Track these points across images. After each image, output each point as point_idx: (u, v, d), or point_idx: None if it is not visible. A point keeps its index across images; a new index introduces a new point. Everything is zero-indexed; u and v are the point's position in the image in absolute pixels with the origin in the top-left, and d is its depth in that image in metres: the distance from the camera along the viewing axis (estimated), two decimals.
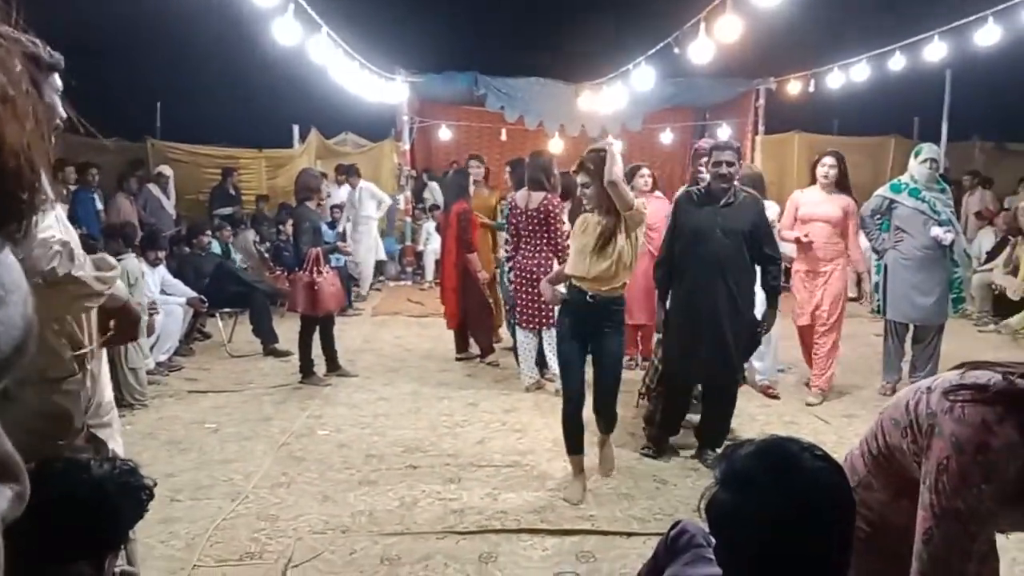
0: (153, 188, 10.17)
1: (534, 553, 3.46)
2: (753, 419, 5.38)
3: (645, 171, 6.34)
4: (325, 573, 3.25)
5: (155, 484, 1.60)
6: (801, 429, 5.19)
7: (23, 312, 0.91)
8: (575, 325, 4.05)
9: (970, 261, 8.15)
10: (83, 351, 2.09)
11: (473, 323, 6.92)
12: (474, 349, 7.05)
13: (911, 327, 5.82)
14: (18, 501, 1.01)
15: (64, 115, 1.93)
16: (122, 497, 1.51)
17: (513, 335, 6.42)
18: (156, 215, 9.90)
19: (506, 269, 6.40)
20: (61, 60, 1.90)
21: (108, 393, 2.26)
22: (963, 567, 1.54)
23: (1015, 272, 9.14)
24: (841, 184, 5.70)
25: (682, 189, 4.90)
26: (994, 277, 9.06)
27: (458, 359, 7.02)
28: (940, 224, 5.51)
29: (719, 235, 4.33)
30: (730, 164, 4.37)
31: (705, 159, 4.75)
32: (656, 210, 5.71)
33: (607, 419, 4.20)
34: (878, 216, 5.78)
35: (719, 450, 4.50)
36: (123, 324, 2.26)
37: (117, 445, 2.29)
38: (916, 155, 5.74)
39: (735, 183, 4.43)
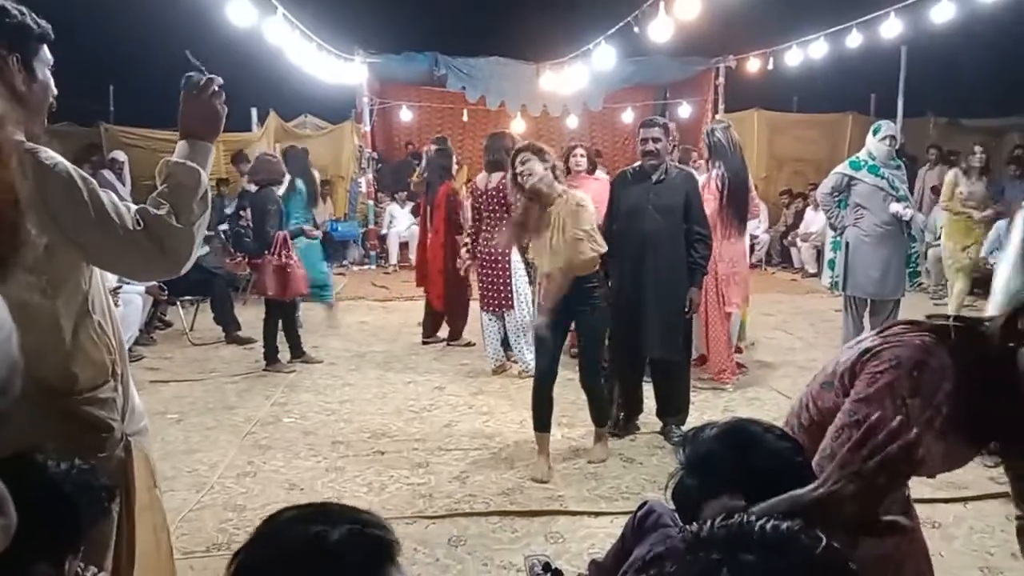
0: (108, 174, 9.93)
1: (503, 535, 3.48)
2: (717, 395, 5.45)
3: (579, 151, 6.33)
4: None
5: (105, 485, 1.57)
6: (764, 404, 5.27)
7: (7, 350, 0.88)
8: (557, 304, 4.05)
9: (924, 235, 8.26)
10: (113, 355, 1.89)
11: (452, 305, 6.89)
12: (441, 333, 7.03)
13: (869, 302, 5.93)
14: (3, 533, 0.99)
15: (56, 92, 1.83)
16: (80, 496, 1.48)
17: None
18: None
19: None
20: (50, 29, 1.78)
21: (137, 396, 2.05)
22: (862, 465, 1.54)
23: None
24: None
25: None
26: None
27: (425, 343, 6.99)
28: (899, 200, 5.59)
29: (651, 211, 4.40)
30: (656, 140, 4.43)
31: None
32: (597, 191, 5.71)
33: (597, 404, 4.26)
34: (837, 193, 5.84)
35: (683, 427, 4.57)
36: None
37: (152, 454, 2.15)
38: (875, 133, 5.78)
39: (667, 159, 4.50)
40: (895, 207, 5.54)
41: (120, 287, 6.32)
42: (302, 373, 6.09)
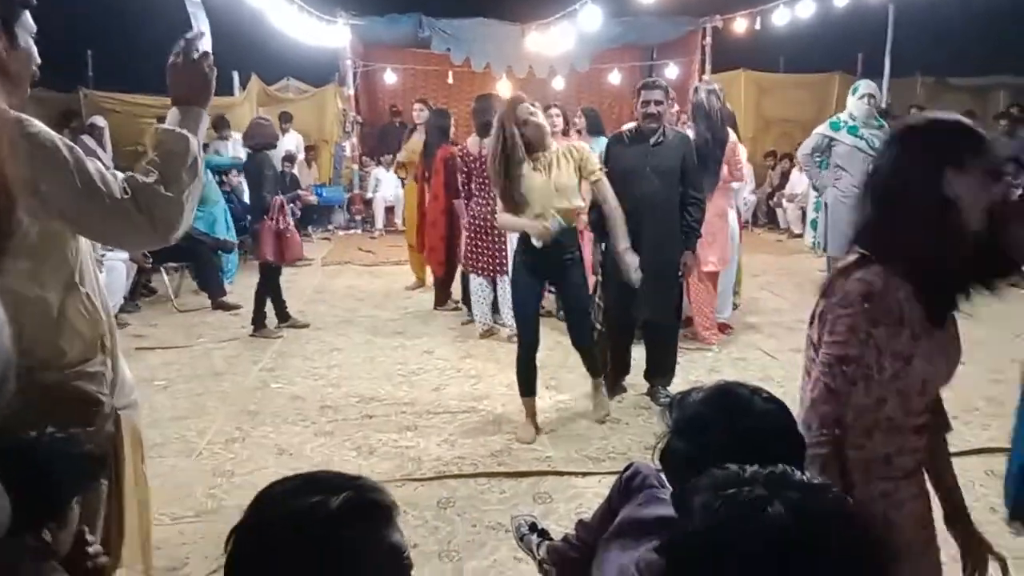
0: (88, 140, 9.76)
1: (491, 496, 3.51)
2: (704, 355, 5.49)
3: (554, 110, 6.32)
4: None
5: (91, 454, 1.56)
6: (750, 366, 5.32)
7: (2, 345, 0.87)
8: (535, 264, 4.04)
9: None
10: (103, 329, 1.87)
11: (452, 273, 6.84)
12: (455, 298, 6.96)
13: None
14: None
15: (39, 60, 1.77)
16: (55, 464, 1.47)
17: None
18: None
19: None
20: None
21: (127, 369, 2.03)
22: (840, 411, 1.56)
23: None
24: None
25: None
26: None
27: (437, 309, 6.92)
28: None
29: (649, 173, 4.38)
30: (658, 103, 4.41)
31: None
32: None
33: (590, 357, 4.30)
34: (818, 154, 5.83)
35: (669, 388, 4.61)
36: None
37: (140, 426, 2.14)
38: (854, 92, 5.76)
39: (664, 122, 4.48)
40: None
41: (104, 255, 6.28)
42: (289, 339, 6.08)
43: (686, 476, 1.36)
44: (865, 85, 5.76)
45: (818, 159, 5.84)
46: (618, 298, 4.52)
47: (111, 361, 1.90)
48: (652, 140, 4.40)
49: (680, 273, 4.54)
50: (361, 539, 1.06)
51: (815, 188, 6.03)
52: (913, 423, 1.65)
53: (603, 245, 4.54)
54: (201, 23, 1.91)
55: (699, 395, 1.41)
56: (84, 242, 1.85)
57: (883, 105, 5.92)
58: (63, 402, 1.77)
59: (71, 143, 1.74)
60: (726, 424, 1.33)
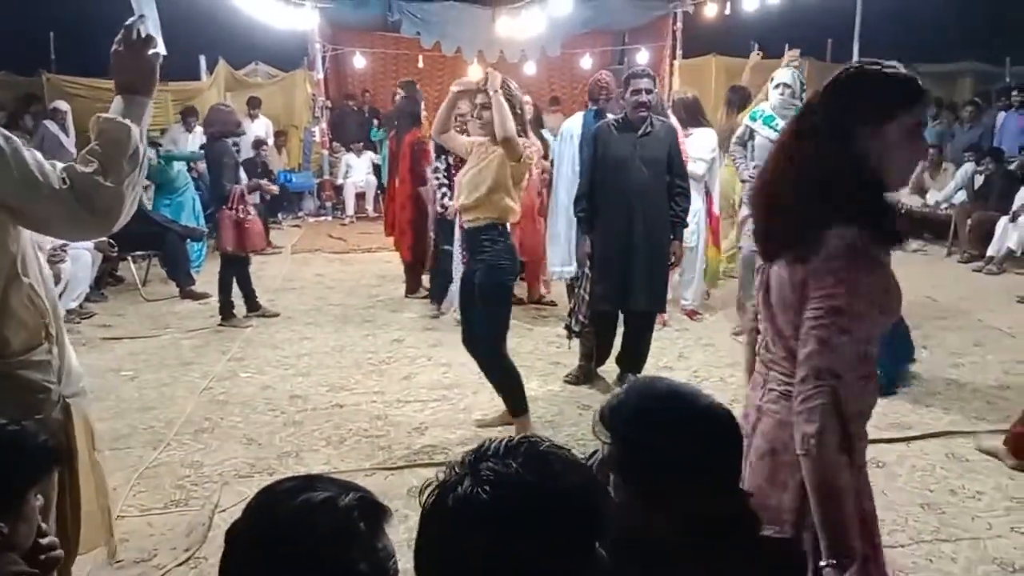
0: (50, 125, 9.58)
1: None
2: (673, 343, 5.53)
3: (527, 99, 6.23)
4: None
5: (45, 445, 1.55)
6: (719, 350, 5.37)
7: None
8: (468, 265, 3.98)
9: None
10: (47, 318, 1.87)
11: (420, 258, 6.77)
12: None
13: None
14: None
15: None
16: (2, 458, 1.46)
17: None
18: (55, 153, 9.32)
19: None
20: None
21: (75, 358, 2.03)
22: (833, 362, 1.56)
23: (920, 192, 9.53)
24: None
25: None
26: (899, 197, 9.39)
27: (408, 297, 6.88)
28: None
29: (639, 164, 4.36)
30: (648, 91, 4.36)
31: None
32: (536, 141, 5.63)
33: (506, 390, 3.97)
34: (739, 146, 5.64)
35: (639, 373, 4.63)
36: None
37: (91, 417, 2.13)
38: (771, 80, 5.51)
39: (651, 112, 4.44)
40: None
41: (67, 243, 6.17)
42: (259, 328, 6.04)
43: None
44: (782, 74, 5.43)
45: (743, 152, 5.62)
46: (608, 289, 4.50)
47: (57, 349, 1.90)
48: (640, 130, 4.37)
49: (670, 262, 4.55)
50: (367, 537, 1.07)
51: (742, 181, 5.75)
52: (872, 369, 1.69)
53: (587, 238, 4.52)
54: (144, 6, 1.88)
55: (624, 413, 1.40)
56: (26, 232, 1.84)
57: (802, 97, 5.56)
58: (9, 391, 1.78)
59: (8, 133, 1.73)
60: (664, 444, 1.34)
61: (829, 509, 1.51)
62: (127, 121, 1.79)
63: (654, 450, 1.33)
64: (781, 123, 5.21)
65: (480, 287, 3.78)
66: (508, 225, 3.85)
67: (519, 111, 3.73)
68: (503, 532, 0.96)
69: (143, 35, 1.85)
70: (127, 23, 1.85)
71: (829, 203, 1.59)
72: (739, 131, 5.67)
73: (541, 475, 1.01)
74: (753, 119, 5.51)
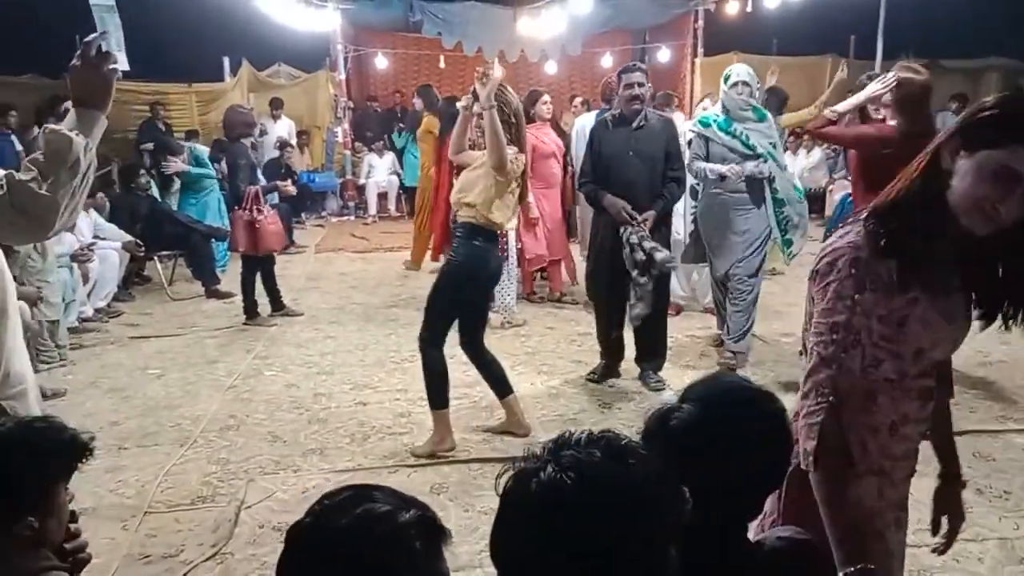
0: None
1: (484, 482, 3.54)
2: (694, 341, 5.52)
3: (547, 98, 6.34)
4: (279, 512, 3.28)
5: (72, 440, 1.57)
6: None
7: None
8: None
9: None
10: None
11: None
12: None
13: None
14: None
15: None
16: (9, 457, 1.48)
17: None
18: None
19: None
20: None
21: (21, 361, 2.03)
22: (834, 379, 1.54)
23: None
24: None
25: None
26: None
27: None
28: (756, 158, 4.68)
29: (632, 158, 4.40)
30: (640, 85, 4.42)
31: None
32: (560, 142, 5.64)
33: (486, 373, 4.08)
34: (699, 155, 4.87)
35: (659, 372, 4.64)
36: None
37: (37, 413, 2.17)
38: (726, 80, 4.79)
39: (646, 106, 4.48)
40: (749, 167, 4.67)
41: (95, 243, 6.28)
42: (283, 326, 6.09)
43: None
44: (737, 72, 4.78)
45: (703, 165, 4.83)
46: (609, 283, 4.52)
47: None
48: (634, 124, 4.41)
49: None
50: (420, 556, 1.06)
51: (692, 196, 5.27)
52: (913, 385, 1.63)
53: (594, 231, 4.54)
54: (109, 23, 1.93)
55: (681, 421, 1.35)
56: None
57: (759, 97, 5.03)
58: None
59: None
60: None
61: (838, 522, 1.50)
62: (71, 133, 1.83)
63: (712, 467, 1.29)
64: (739, 127, 4.70)
65: (439, 274, 3.94)
66: (494, 233, 3.82)
67: (513, 120, 3.72)
68: (586, 517, 0.97)
69: (103, 51, 1.89)
70: (87, 39, 1.90)
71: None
72: (693, 143, 4.94)
73: (623, 465, 1.02)
74: (705, 125, 4.84)
